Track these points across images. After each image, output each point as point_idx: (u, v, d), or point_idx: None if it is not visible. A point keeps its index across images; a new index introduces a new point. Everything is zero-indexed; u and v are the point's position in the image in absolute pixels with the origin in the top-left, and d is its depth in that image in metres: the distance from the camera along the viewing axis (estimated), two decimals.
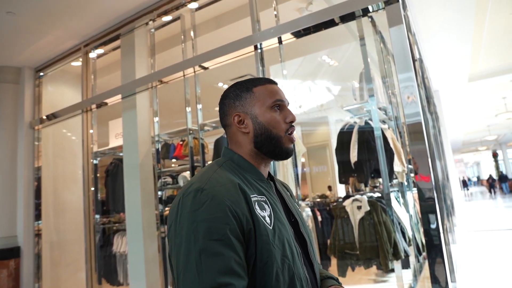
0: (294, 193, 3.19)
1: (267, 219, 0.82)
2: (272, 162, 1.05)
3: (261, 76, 2.83)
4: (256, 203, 0.82)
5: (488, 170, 28.76)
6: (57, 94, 4.60)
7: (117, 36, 3.82)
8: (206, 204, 0.75)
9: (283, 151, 0.93)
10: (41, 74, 4.56)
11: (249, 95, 0.94)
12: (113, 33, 3.82)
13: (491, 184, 19.64)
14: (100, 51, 4.13)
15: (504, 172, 22.56)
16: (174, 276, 0.78)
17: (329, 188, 6.07)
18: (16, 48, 4.03)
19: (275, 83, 0.98)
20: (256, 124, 0.92)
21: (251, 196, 0.83)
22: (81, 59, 4.21)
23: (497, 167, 24.91)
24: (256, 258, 0.77)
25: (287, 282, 0.79)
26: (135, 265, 3.40)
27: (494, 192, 18.73)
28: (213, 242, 0.72)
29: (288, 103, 0.98)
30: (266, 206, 0.85)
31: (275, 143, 0.91)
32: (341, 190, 5.67)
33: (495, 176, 22.83)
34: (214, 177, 0.83)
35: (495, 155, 24.97)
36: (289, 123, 0.94)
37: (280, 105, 0.94)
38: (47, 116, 4.26)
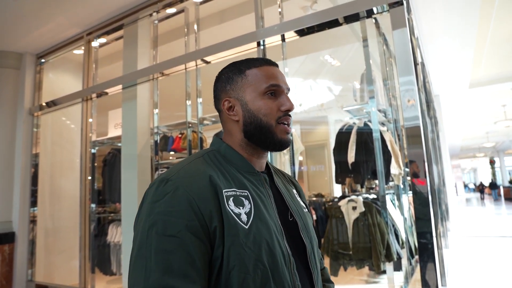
0: None
1: (243, 216, 0.72)
2: (269, 157, 0.96)
3: None
4: (231, 199, 0.74)
5: (484, 177, 28.89)
6: (57, 81, 4.58)
7: (120, 26, 3.81)
8: (168, 196, 0.70)
9: (275, 142, 0.82)
10: (43, 60, 4.55)
11: (241, 79, 0.84)
12: (117, 22, 3.81)
13: (481, 191, 19.89)
14: (102, 40, 4.12)
15: (499, 180, 22.72)
16: None
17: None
18: (18, 34, 4.01)
19: (274, 64, 0.86)
20: (245, 111, 0.82)
21: (225, 190, 0.74)
22: (83, 48, 4.19)
23: (493, 174, 25.01)
24: (223, 262, 0.69)
25: None
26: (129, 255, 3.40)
27: (482, 198, 18.94)
28: (166, 238, 0.66)
29: (289, 89, 0.86)
30: (245, 202, 0.75)
31: (265, 133, 0.81)
32: (337, 190, 5.69)
33: (486, 183, 23.09)
34: (185, 168, 0.76)
35: (492, 162, 25.05)
36: (284, 111, 0.82)
37: (275, 90, 0.82)
38: (46, 103, 4.25)
